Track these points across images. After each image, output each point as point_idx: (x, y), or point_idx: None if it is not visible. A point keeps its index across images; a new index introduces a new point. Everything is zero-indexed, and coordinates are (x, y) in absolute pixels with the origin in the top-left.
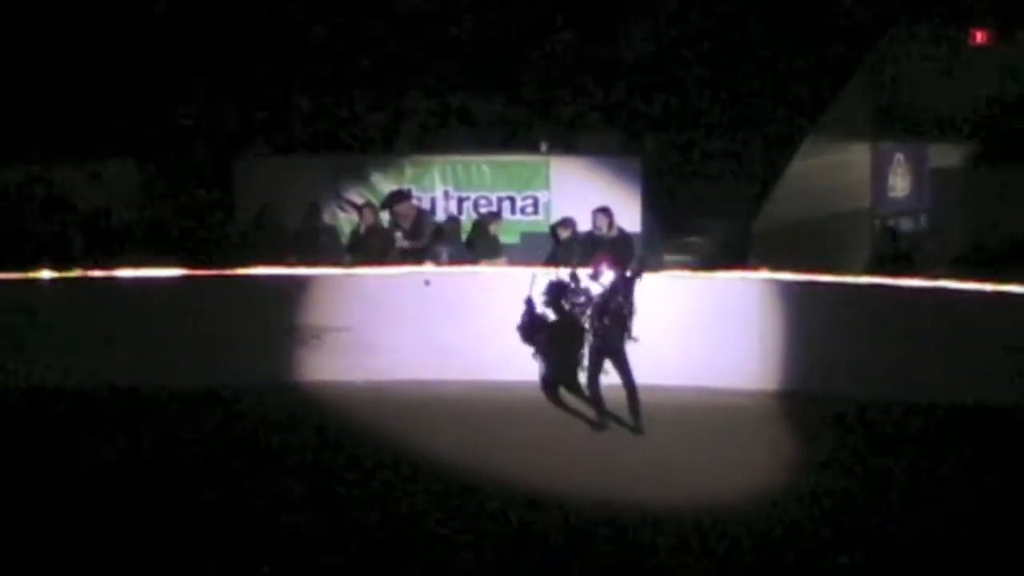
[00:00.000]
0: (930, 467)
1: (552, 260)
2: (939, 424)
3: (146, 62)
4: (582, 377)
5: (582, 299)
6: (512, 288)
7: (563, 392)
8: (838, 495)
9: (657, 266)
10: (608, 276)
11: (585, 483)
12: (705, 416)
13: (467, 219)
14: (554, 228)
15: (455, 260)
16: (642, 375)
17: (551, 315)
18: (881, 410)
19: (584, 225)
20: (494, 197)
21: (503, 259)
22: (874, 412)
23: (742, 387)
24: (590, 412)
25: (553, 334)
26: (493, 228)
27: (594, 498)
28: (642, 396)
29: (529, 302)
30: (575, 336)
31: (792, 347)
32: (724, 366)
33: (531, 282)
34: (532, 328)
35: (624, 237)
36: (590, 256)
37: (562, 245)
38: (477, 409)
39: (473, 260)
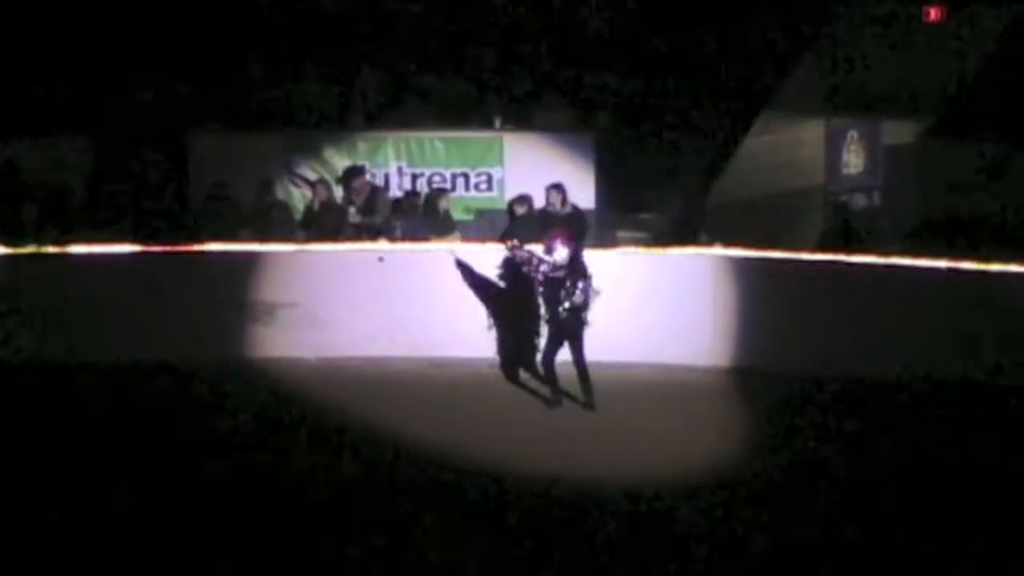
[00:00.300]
0: (883, 442)
1: (507, 236)
2: (892, 399)
3: (99, 38)
4: (538, 355)
5: (546, 273)
6: (467, 264)
7: (518, 369)
8: (790, 470)
9: (611, 242)
10: (562, 252)
11: (538, 459)
12: (658, 392)
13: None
14: (511, 204)
15: (410, 236)
16: (595, 352)
17: (512, 288)
18: (834, 386)
19: (540, 202)
20: (448, 173)
21: (454, 235)
22: (827, 388)
23: (696, 363)
24: (544, 389)
25: (514, 309)
26: (443, 204)
27: (547, 474)
28: (596, 373)
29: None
30: (533, 313)
31: (746, 323)
32: (678, 343)
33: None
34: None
35: (577, 213)
36: (544, 233)
37: (518, 221)
38: (429, 385)
39: (424, 236)
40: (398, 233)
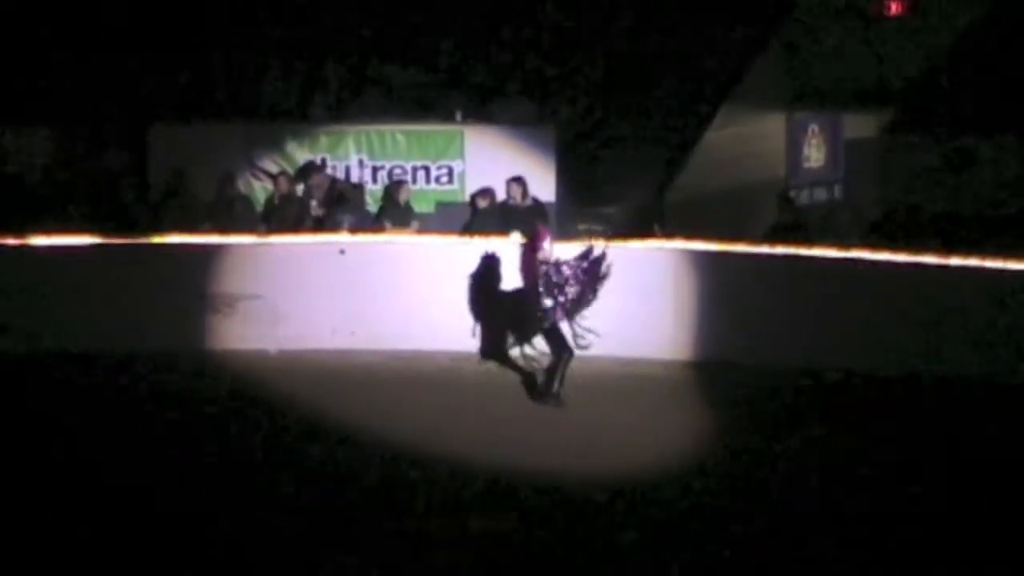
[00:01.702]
0: (843, 433)
1: (468, 229)
2: (853, 392)
3: (59, 30)
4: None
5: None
6: (428, 257)
7: (487, 362)
8: (750, 463)
9: (571, 235)
10: (553, 250)
11: (501, 452)
12: (619, 385)
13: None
14: (474, 197)
15: (359, 228)
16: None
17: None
18: (793, 379)
19: (501, 195)
20: (409, 166)
21: (413, 227)
22: (787, 381)
23: (656, 357)
24: (509, 382)
25: (510, 308)
26: (401, 195)
27: (510, 467)
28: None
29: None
30: (530, 313)
31: (706, 317)
32: (639, 336)
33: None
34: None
35: (538, 206)
36: (505, 226)
37: (479, 214)
38: (391, 378)
39: (379, 228)
40: (344, 226)
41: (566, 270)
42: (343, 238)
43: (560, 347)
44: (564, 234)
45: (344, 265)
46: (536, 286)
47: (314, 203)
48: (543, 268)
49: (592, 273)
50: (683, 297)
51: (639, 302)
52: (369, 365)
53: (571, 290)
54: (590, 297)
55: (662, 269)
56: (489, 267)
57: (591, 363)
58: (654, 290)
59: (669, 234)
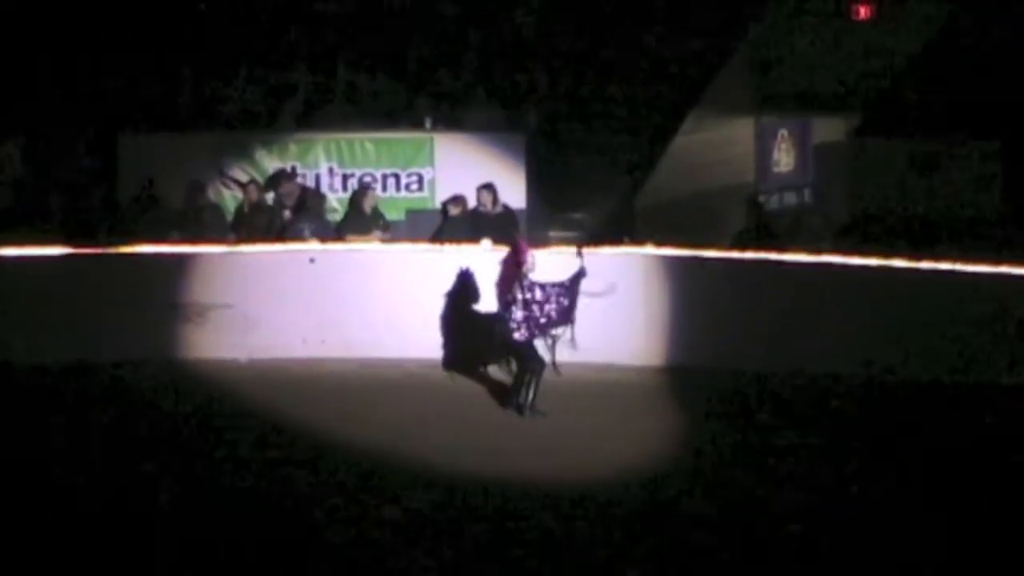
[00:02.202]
0: (813, 439)
1: (438, 237)
2: (823, 395)
3: (26, 39)
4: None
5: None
6: (398, 265)
7: (458, 372)
8: (722, 468)
9: (542, 242)
10: (536, 262)
11: (467, 460)
12: (591, 391)
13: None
14: (445, 205)
15: (320, 236)
16: None
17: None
18: (764, 383)
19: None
20: (379, 174)
21: (376, 234)
22: (758, 385)
23: (628, 363)
24: (480, 390)
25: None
26: (366, 202)
27: (480, 475)
28: None
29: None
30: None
31: (677, 322)
32: (611, 342)
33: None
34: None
35: (508, 213)
36: (475, 233)
37: (450, 222)
38: (361, 386)
39: (340, 236)
40: (305, 235)
41: (545, 291)
42: (312, 246)
43: (531, 360)
44: (536, 241)
45: (314, 273)
46: (510, 301)
47: (286, 212)
48: (525, 283)
49: (573, 292)
50: (655, 303)
51: (611, 308)
52: (339, 373)
53: (548, 307)
54: (571, 315)
55: (633, 275)
56: (464, 284)
57: (563, 369)
58: (626, 296)
59: (640, 240)
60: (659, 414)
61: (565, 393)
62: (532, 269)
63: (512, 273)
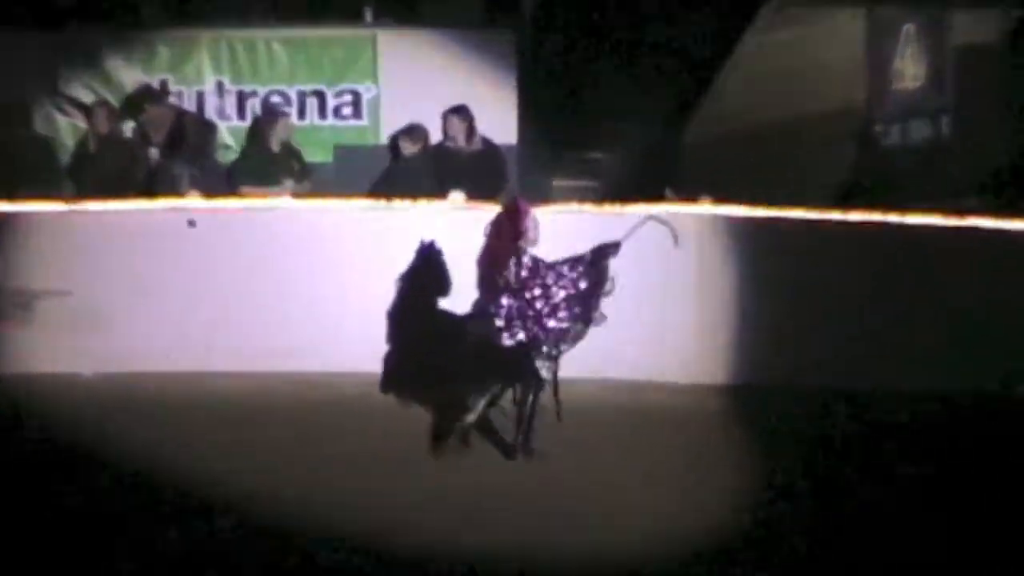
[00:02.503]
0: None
1: (385, 188)
2: (961, 422)
3: None
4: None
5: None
6: (320, 233)
7: (409, 395)
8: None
9: (541, 196)
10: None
11: (429, 533)
12: (615, 424)
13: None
14: (396, 140)
15: (205, 187)
16: None
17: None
18: (875, 407)
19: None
20: (293, 93)
21: (291, 184)
22: (867, 411)
23: (674, 380)
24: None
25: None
26: (275, 135)
27: (448, 558)
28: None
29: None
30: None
31: (745, 320)
32: (643, 348)
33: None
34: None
35: (491, 152)
36: (442, 182)
37: (402, 164)
38: (260, 414)
39: (235, 187)
40: (183, 184)
41: (556, 273)
42: (193, 202)
43: (525, 377)
44: (530, 194)
45: (194, 244)
46: (500, 290)
47: (153, 150)
48: (524, 261)
49: (598, 274)
50: (710, 290)
51: (644, 297)
52: (230, 394)
53: (558, 297)
54: (591, 311)
55: (680, 248)
56: (425, 263)
57: (574, 390)
58: (667, 279)
59: (688, 195)
60: (722, 459)
61: (581, 426)
62: (534, 240)
63: (505, 247)
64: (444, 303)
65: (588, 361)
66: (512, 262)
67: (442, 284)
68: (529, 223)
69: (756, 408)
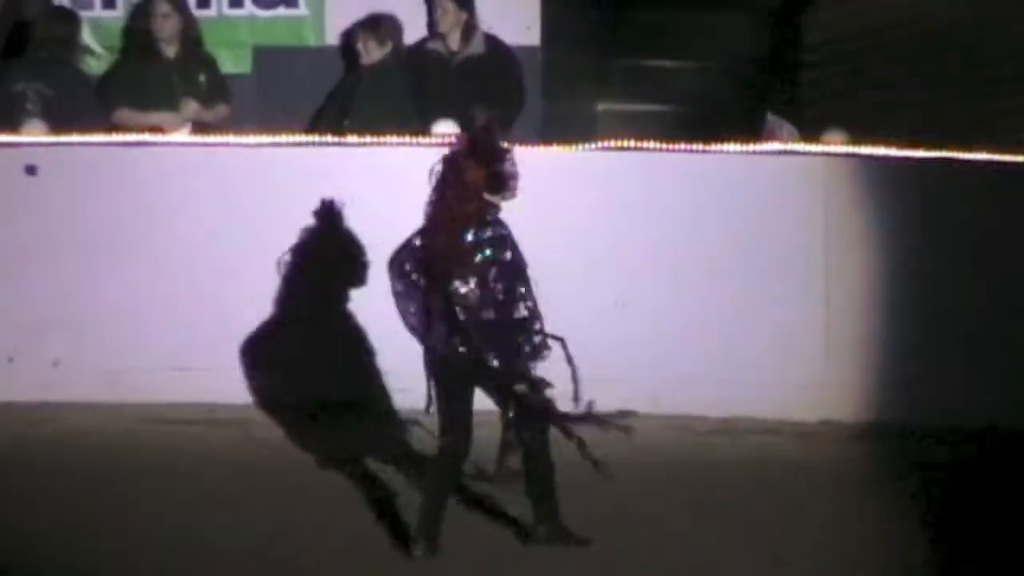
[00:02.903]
0: None
1: (333, 113)
2: None
3: None
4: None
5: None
6: (230, 184)
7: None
8: None
9: (581, 128)
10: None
11: None
12: (691, 482)
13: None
14: (352, 39)
15: (62, 114)
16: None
17: None
18: None
19: (413, 32)
20: None
21: (195, 107)
22: None
23: (781, 416)
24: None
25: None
26: (165, 27)
27: None
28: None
29: None
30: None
31: (888, 323)
32: (738, 368)
33: None
34: None
35: (498, 59)
36: (421, 106)
37: (363, 79)
38: (124, 457)
39: (106, 112)
40: (28, 109)
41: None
42: (36, 139)
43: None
44: (563, 124)
45: (35, 200)
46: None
47: None
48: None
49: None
50: (838, 274)
51: (740, 287)
52: (75, 432)
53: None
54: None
55: (792, 207)
56: (336, 241)
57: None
58: (770, 259)
59: (811, 134)
60: (850, 541)
61: (642, 482)
62: (513, 193)
63: (470, 197)
64: (362, 300)
65: (647, 386)
66: (471, 234)
67: (357, 269)
68: (505, 163)
69: (898, 456)
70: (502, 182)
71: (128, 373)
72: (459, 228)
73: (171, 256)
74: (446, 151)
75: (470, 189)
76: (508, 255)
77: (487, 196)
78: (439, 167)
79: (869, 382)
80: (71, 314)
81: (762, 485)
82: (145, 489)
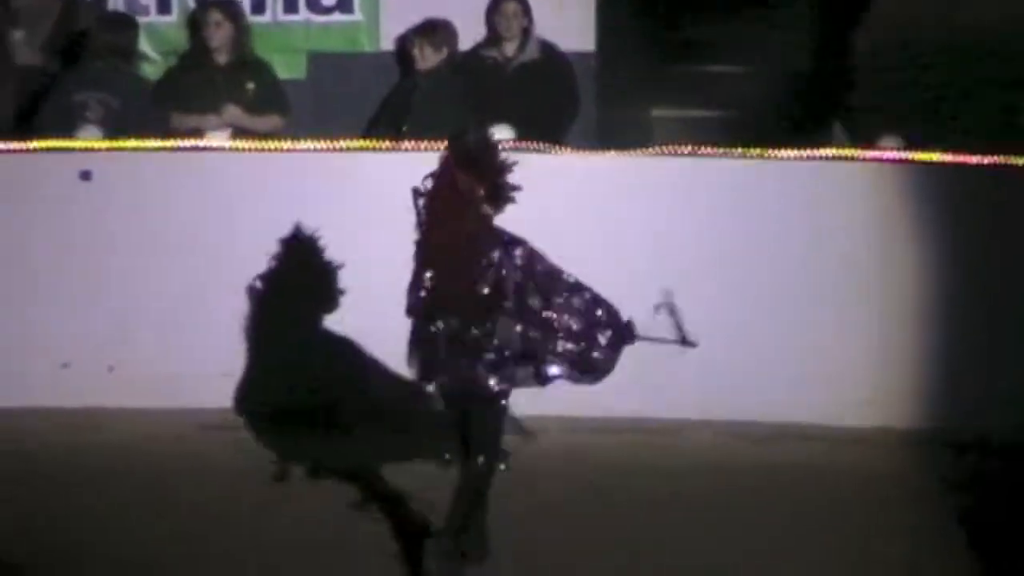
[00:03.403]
0: None
1: (388, 119)
2: None
3: None
4: None
5: None
6: (289, 190)
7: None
8: None
9: (635, 137)
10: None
11: None
12: (724, 500)
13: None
14: (407, 45)
15: (120, 117)
16: (573, 403)
17: None
18: None
19: (469, 38)
20: None
21: (238, 115)
22: None
23: (817, 422)
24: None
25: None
26: (218, 36)
27: None
28: (582, 437)
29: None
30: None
31: (952, 326)
32: (785, 370)
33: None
34: None
35: (553, 65)
36: (478, 111)
37: (418, 85)
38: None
39: (160, 119)
40: (88, 115)
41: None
42: (87, 143)
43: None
44: (618, 130)
45: (88, 209)
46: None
47: (26, 49)
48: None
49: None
50: (892, 283)
51: (787, 288)
52: (126, 442)
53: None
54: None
55: (846, 214)
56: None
57: (640, 434)
58: (825, 264)
59: (867, 137)
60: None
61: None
62: (503, 205)
63: (470, 214)
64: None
65: (690, 393)
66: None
67: (329, 292)
68: (507, 176)
69: (958, 469)
70: (503, 196)
71: (182, 378)
72: (468, 262)
73: (224, 261)
74: (438, 165)
75: (465, 201)
76: (519, 274)
77: (486, 209)
78: (431, 182)
79: (925, 390)
80: (125, 319)
81: (823, 492)
82: (199, 494)
